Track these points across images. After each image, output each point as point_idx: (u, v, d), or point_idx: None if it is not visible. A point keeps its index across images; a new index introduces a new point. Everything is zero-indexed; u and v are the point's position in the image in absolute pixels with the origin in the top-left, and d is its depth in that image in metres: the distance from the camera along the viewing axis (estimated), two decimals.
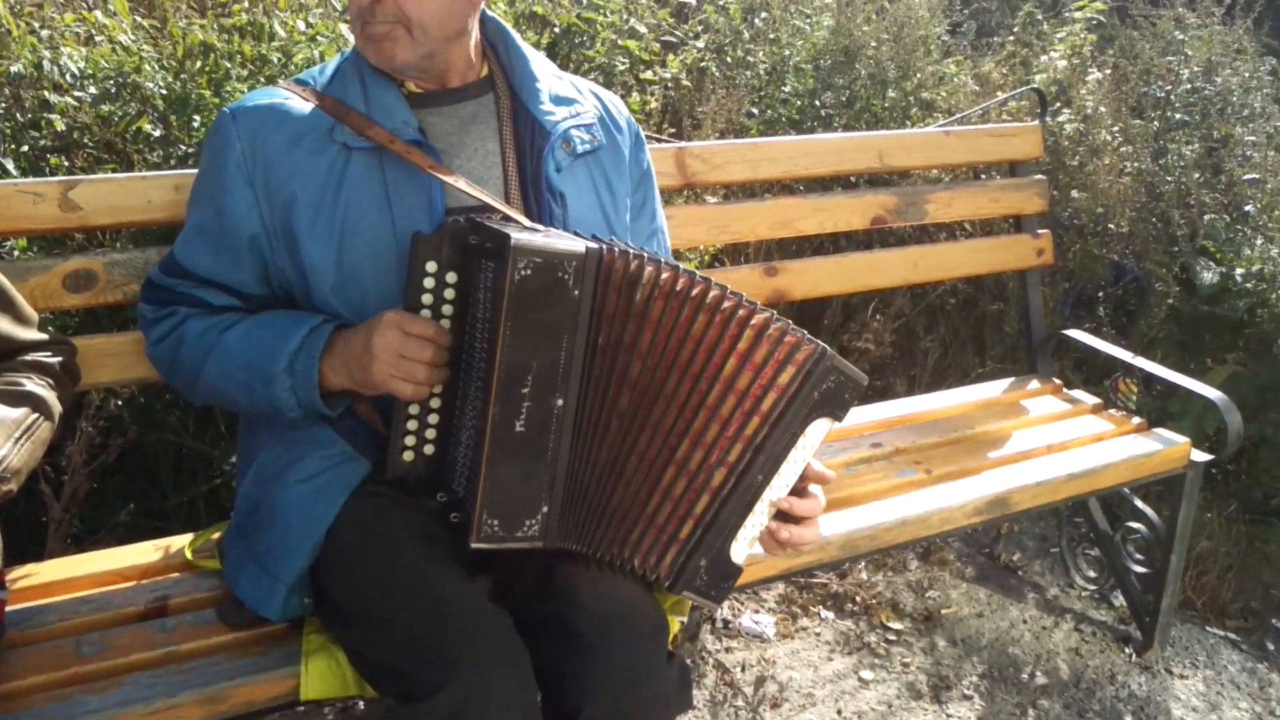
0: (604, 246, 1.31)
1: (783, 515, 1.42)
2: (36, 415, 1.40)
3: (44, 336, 1.48)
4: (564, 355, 1.30)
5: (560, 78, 1.63)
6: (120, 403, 2.22)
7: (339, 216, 1.45)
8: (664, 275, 1.32)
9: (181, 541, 1.76)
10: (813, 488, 1.44)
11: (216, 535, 1.73)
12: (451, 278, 1.37)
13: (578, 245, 1.29)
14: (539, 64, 1.60)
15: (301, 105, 1.49)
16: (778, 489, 1.39)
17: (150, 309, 1.55)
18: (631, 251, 1.32)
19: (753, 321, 1.32)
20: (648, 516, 1.37)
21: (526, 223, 1.39)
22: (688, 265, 1.83)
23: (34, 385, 1.42)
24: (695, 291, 1.32)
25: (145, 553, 1.74)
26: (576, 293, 1.28)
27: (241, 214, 1.46)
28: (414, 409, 1.39)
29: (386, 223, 1.45)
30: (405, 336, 1.33)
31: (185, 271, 1.50)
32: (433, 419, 1.40)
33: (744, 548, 1.41)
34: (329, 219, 1.45)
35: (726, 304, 1.32)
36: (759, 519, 1.40)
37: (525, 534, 1.33)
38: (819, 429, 1.37)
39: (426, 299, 1.37)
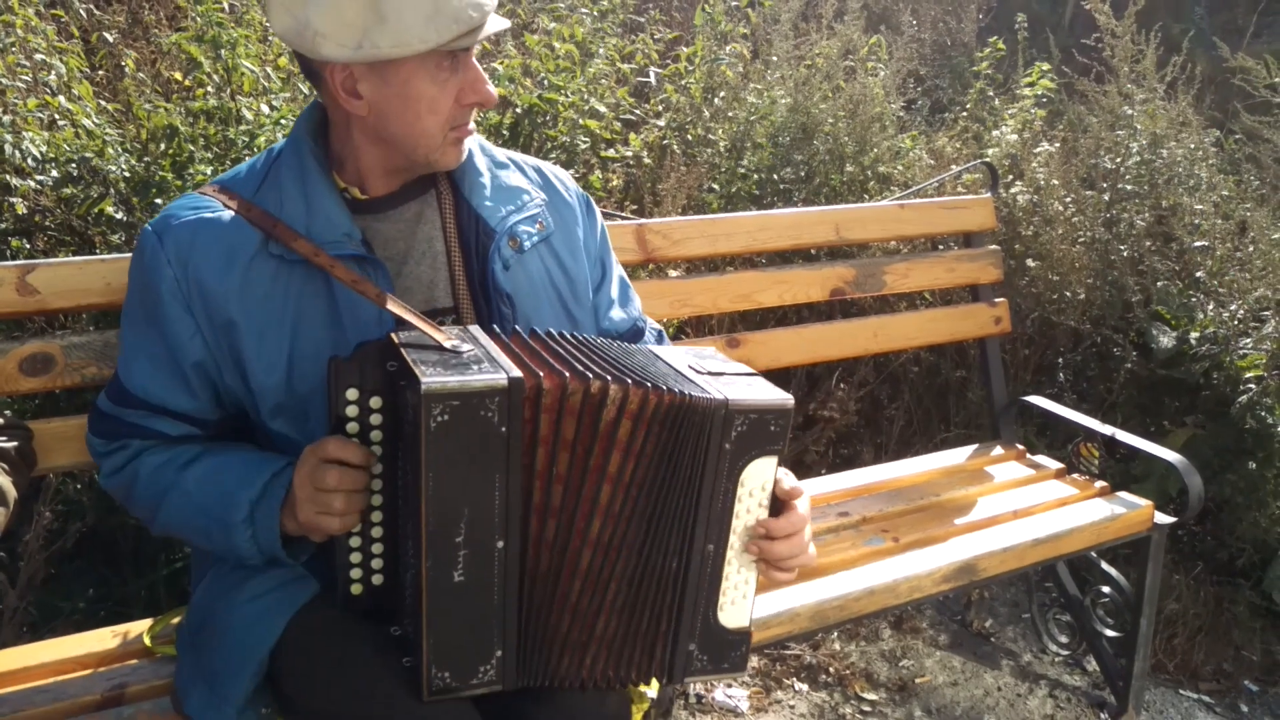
0: (527, 372, 1.21)
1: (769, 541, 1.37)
2: None
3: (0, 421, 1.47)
4: (499, 495, 1.22)
5: (504, 165, 1.57)
6: (79, 486, 2.19)
7: (285, 335, 1.38)
8: (630, 395, 1.24)
9: (140, 627, 1.72)
10: (798, 503, 1.39)
11: (176, 620, 1.70)
12: (376, 403, 1.28)
13: (499, 377, 1.18)
14: (479, 155, 1.53)
15: (228, 218, 1.40)
16: (743, 543, 1.34)
17: (100, 442, 1.48)
18: (581, 365, 1.25)
19: (643, 413, 1.25)
20: (633, 630, 1.33)
21: (449, 343, 1.27)
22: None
23: None
24: (598, 394, 1.24)
25: (103, 639, 1.70)
26: (504, 429, 1.19)
27: (185, 340, 1.39)
28: (355, 540, 1.32)
29: (337, 338, 1.38)
30: (319, 465, 1.26)
31: (135, 400, 1.43)
32: (377, 548, 1.33)
33: (740, 610, 1.36)
34: (275, 340, 1.38)
35: (633, 402, 1.25)
36: (741, 577, 1.36)
37: (480, 680, 1.27)
38: (760, 469, 1.32)
39: (352, 428, 1.28)
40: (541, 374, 1.23)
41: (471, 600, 1.24)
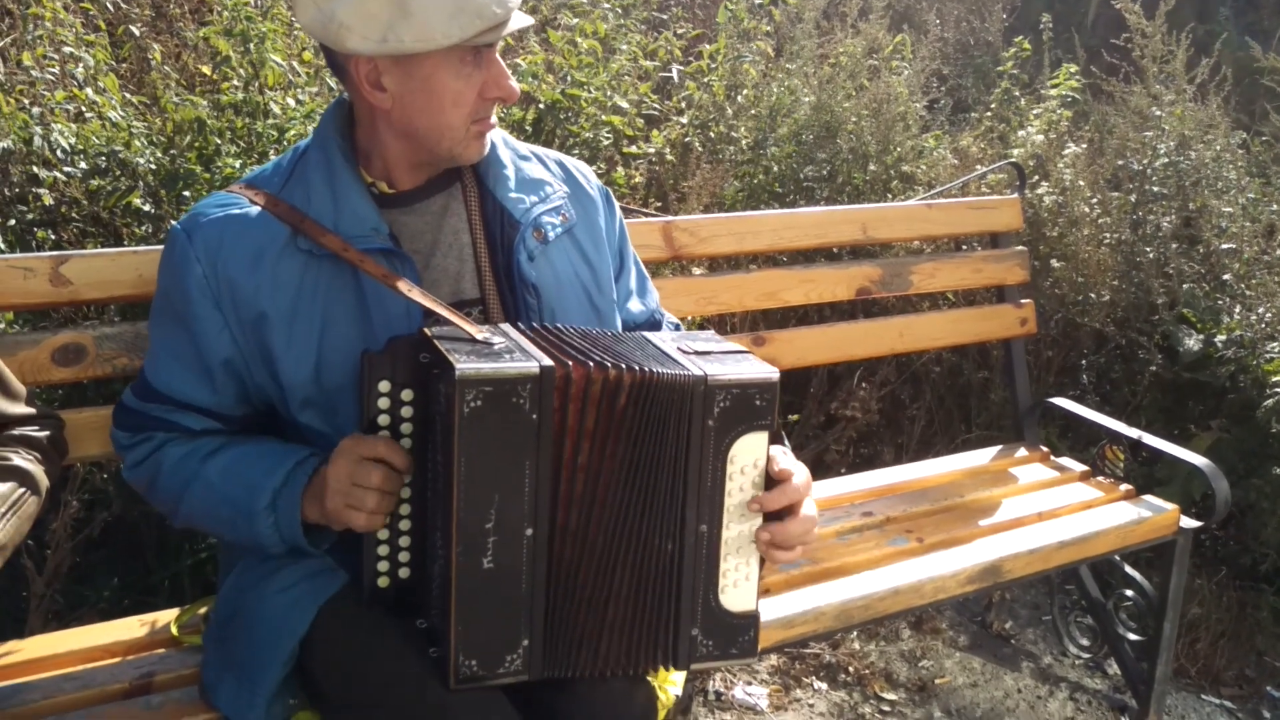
0: (560, 361, 1.24)
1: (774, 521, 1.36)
2: (23, 490, 1.38)
3: (32, 411, 1.47)
4: (529, 482, 1.23)
5: (527, 158, 1.58)
6: (105, 476, 2.20)
7: (315, 329, 1.39)
8: (610, 376, 1.26)
9: (167, 616, 1.73)
10: (794, 477, 1.37)
11: (203, 610, 1.71)
12: (407, 395, 1.29)
13: (531, 365, 1.21)
14: (503, 148, 1.54)
15: (257, 214, 1.41)
16: (740, 522, 1.33)
17: (124, 435, 1.50)
18: (589, 361, 1.26)
19: (653, 387, 1.27)
20: (643, 619, 1.33)
21: (479, 334, 1.30)
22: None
23: (21, 460, 1.40)
24: (630, 379, 1.27)
25: (130, 628, 1.71)
26: (535, 416, 1.21)
27: (213, 337, 1.40)
28: (383, 533, 1.33)
29: (366, 332, 1.39)
30: (357, 462, 1.27)
31: (160, 395, 1.44)
32: (404, 541, 1.34)
33: (744, 593, 1.35)
34: (304, 333, 1.39)
35: (640, 382, 1.27)
36: (741, 558, 1.34)
37: (507, 669, 1.27)
38: (750, 445, 1.31)
39: (384, 420, 1.30)
40: (570, 364, 1.24)
41: (500, 588, 1.25)
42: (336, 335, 1.40)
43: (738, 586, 1.36)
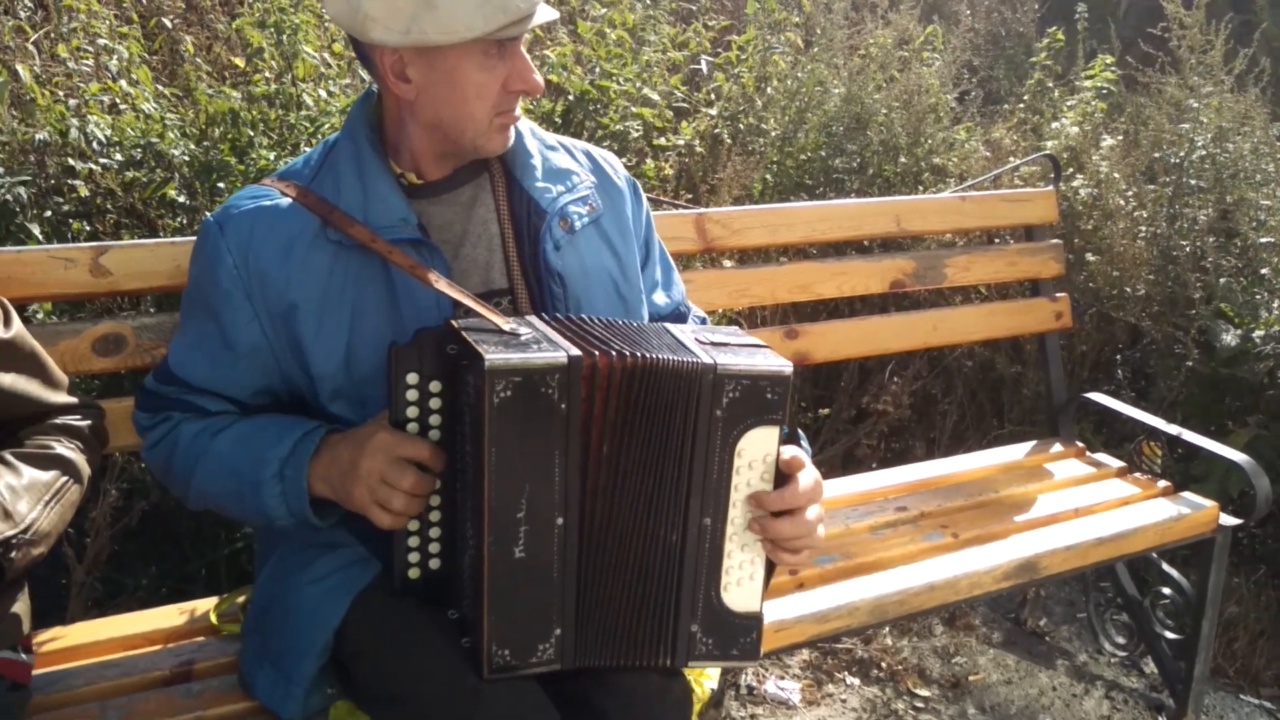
0: (587, 351, 1.24)
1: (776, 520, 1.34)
2: (66, 478, 1.40)
3: (74, 400, 1.48)
4: (559, 472, 1.23)
5: (554, 148, 1.58)
6: (143, 466, 2.22)
7: (344, 319, 1.40)
8: (630, 365, 1.26)
9: (206, 605, 1.74)
10: (799, 475, 1.35)
11: (241, 599, 1.72)
12: (435, 387, 1.29)
13: (559, 355, 1.21)
14: (530, 138, 1.55)
15: (288, 206, 1.42)
16: (744, 519, 1.31)
17: (145, 416, 1.51)
18: (612, 351, 1.26)
19: (662, 370, 1.26)
20: (648, 608, 1.32)
21: (507, 326, 1.30)
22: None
23: (64, 448, 1.42)
24: (646, 366, 1.26)
25: (170, 616, 1.72)
26: (563, 406, 1.22)
27: (242, 327, 1.41)
28: (414, 524, 1.33)
29: (395, 321, 1.40)
30: (391, 460, 1.28)
31: (179, 380, 1.46)
32: (434, 532, 1.34)
33: (748, 592, 1.33)
34: (334, 323, 1.40)
35: (669, 370, 1.27)
36: (746, 556, 1.32)
37: (540, 659, 1.27)
38: (759, 439, 1.29)
39: (412, 412, 1.30)
40: (596, 354, 1.25)
41: (532, 577, 1.25)
42: (366, 326, 1.40)
43: (741, 585, 1.34)
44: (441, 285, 1.37)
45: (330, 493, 1.35)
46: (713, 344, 1.33)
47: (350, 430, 1.36)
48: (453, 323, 1.30)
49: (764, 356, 1.30)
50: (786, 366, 1.28)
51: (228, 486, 1.42)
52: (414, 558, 1.35)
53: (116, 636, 1.66)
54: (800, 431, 1.47)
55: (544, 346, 1.24)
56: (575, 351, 1.23)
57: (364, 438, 1.31)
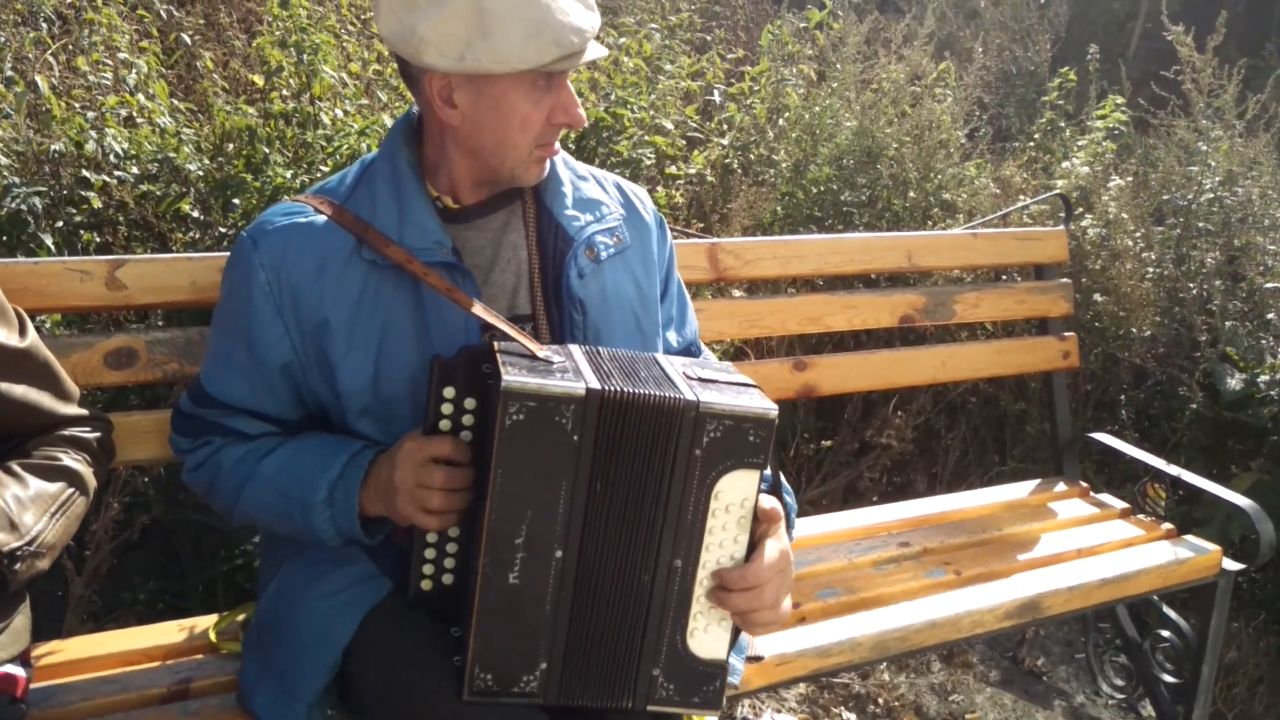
0: (607, 386, 1.23)
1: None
2: (72, 490, 1.40)
3: (84, 412, 1.49)
4: (564, 503, 1.22)
5: (585, 178, 1.59)
6: (146, 479, 2.22)
7: (374, 338, 1.40)
8: (641, 402, 1.24)
9: (205, 622, 1.74)
10: (767, 544, 1.32)
11: (241, 617, 1.71)
12: (470, 403, 1.30)
13: (578, 386, 1.20)
14: (563, 167, 1.56)
15: (323, 223, 1.43)
16: (717, 564, 1.29)
17: (184, 441, 1.52)
18: (627, 390, 1.24)
19: (650, 406, 1.24)
20: (623, 650, 1.31)
21: (540, 352, 1.30)
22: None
23: (71, 460, 1.42)
24: (628, 398, 1.24)
25: (169, 633, 1.72)
26: (576, 437, 1.20)
27: (272, 344, 1.42)
28: (432, 536, 1.33)
29: (424, 342, 1.40)
30: (420, 464, 1.29)
31: (215, 401, 1.47)
32: (451, 548, 1.34)
33: (714, 639, 1.31)
34: (364, 341, 1.40)
35: (661, 404, 1.25)
36: (716, 602, 1.30)
37: (522, 689, 1.26)
38: (738, 483, 1.25)
39: (444, 424, 1.30)
40: (617, 388, 1.24)
41: (523, 605, 1.24)
42: (395, 346, 1.41)
43: (708, 632, 1.31)
44: (478, 310, 1.39)
45: (379, 510, 1.37)
46: (700, 380, 1.31)
47: (390, 449, 1.37)
48: (494, 343, 1.31)
49: (750, 397, 1.27)
50: (772, 409, 1.25)
51: (277, 509, 1.43)
52: (428, 569, 1.35)
53: (114, 652, 1.65)
54: (783, 479, 1.46)
55: (569, 376, 1.23)
56: (596, 385, 1.22)
57: (395, 451, 1.33)
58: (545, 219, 1.52)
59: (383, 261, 1.40)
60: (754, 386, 1.32)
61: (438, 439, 1.30)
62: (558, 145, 1.48)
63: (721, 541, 1.29)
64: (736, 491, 1.26)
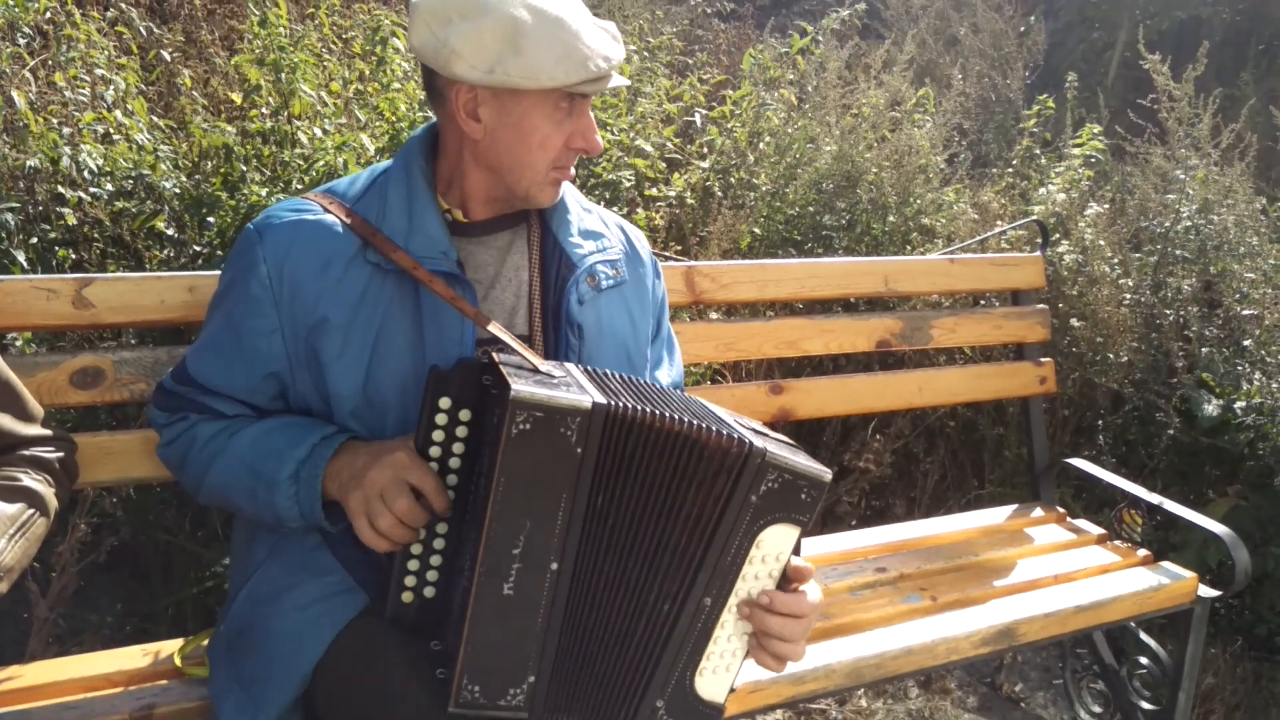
0: (613, 401, 1.23)
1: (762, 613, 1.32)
2: (32, 511, 1.37)
3: (47, 432, 1.46)
4: (562, 516, 1.22)
5: (589, 210, 1.63)
6: (115, 500, 2.19)
7: (369, 341, 1.41)
8: (657, 423, 1.24)
9: (171, 647, 1.71)
10: (805, 587, 1.34)
11: (206, 642, 1.68)
12: (465, 415, 1.30)
13: (584, 399, 1.21)
14: (571, 196, 1.59)
15: (330, 222, 1.45)
16: (739, 609, 1.29)
17: (162, 415, 1.53)
18: (638, 406, 1.25)
19: (701, 440, 1.24)
20: (620, 675, 1.30)
21: (544, 367, 1.32)
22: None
23: (31, 480, 1.40)
24: (675, 430, 1.24)
25: (133, 658, 1.69)
26: (579, 450, 1.21)
27: (262, 336, 1.43)
28: (416, 548, 1.32)
29: (417, 350, 1.42)
30: (396, 479, 1.28)
31: (195, 382, 1.48)
32: (435, 560, 1.33)
33: (719, 682, 1.32)
34: (359, 344, 1.41)
35: (688, 432, 1.24)
36: (729, 646, 1.31)
37: (508, 703, 1.25)
38: (779, 536, 1.27)
39: (438, 435, 1.30)
40: (628, 406, 1.24)
41: (515, 617, 1.24)
42: (388, 354, 1.42)
43: (716, 674, 1.32)
44: (488, 324, 1.41)
45: (336, 494, 1.36)
46: (753, 430, 1.32)
47: (377, 442, 1.37)
48: (495, 355, 1.31)
49: (804, 457, 1.30)
50: (826, 473, 1.28)
51: (243, 484, 1.42)
52: (410, 581, 1.34)
53: (77, 677, 1.62)
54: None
55: (574, 390, 1.24)
56: (601, 399, 1.22)
57: (384, 450, 1.32)
58: (550, 243, 1.55)
59: (386, 266, 1.42)
60: (800, 448, 1.35)
61: (427, 471, 1.29)
62: (573, 171, 1.51)
63: (750, 590, 1.30)
64: (776, 544, 1.28)
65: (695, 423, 1.26)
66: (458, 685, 1.23)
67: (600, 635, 1.29)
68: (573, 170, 1.50)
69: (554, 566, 1.24)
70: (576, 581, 1.26)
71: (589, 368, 1.39)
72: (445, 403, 1.29)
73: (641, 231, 1.71)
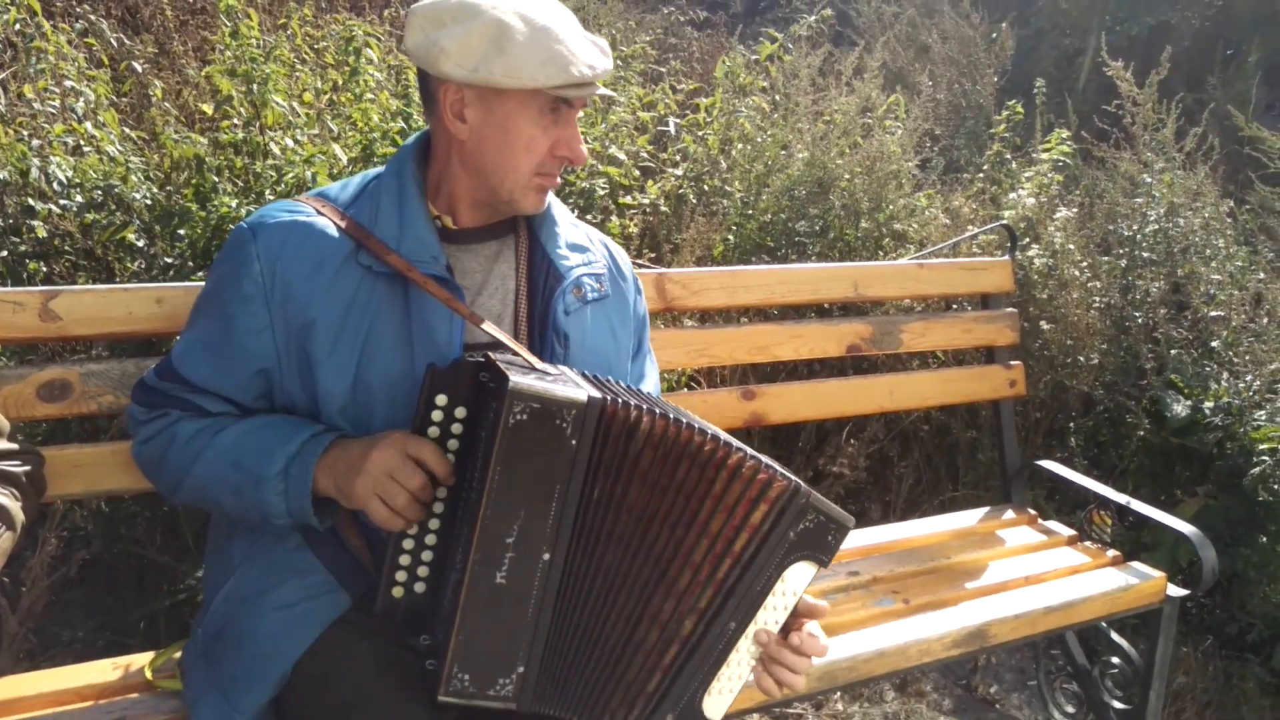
0: (607, 396, 1.27)
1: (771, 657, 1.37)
2: None
3: (13, 446, 1.45)
4: (555, 507, 1.26)
5: (576, 225, 1.66)
6: (85, 514, 2.18)
7: (359, 342, 1.43)
8: (656, 425, 1.28)
9: (142, 660, 1.70)
10: (809, 625, 1.40)
11: (178, 654, 1.68)
12: (461, 413, 1.33)
13: (579, 393, 1.25)
14: (559, 209, 1.63)
15: (323, 224, 1.47)
16: (757, 635, 1.34)
17: (141, 410, 1.52)
18: (633, 402, 1.29)
19: (728, 462, 1.29)
20: (619, 675, 1.32)
21: (539, 365, 1.36)
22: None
23: None
24: (681, 439, 1.29)
25: (103, 671, 1.68)
26: (574, 442, 1.24)
27: (252, 334, 1.44)
28: (408, 543, 1.34)
29: (405, 352, 1.44)
30: (402, 458, 1.30)
31: (182, 379, 1.48)
32: (426, 555, 1.34)
33: (722, 702, 1.35)
34: (349, 344, 1.43)
35: (707, 448, 1.29)
36: (738, 669, 1.34)
37: (498, 693, 1.27)
38: (801, 573, 1.33)
39: (433, 431, 1.33)
40: (622, 402, 1.28)
41: (508, 606, 1.26)
42: (377, 356, 1.44)
43: (721, 695, 1.36)
44: (487, 326, 1.44)
45: (333, 489, 1.37)
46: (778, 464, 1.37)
47: (366, 436, 1.38)
48: (491, 355, 1.34)
49: (826, 502, 1.35)
50: (851, 520, 1.35)
51: (228, 481, 1.42)
52: (401, 576, 1.35)
53: (47, 691, 1.61)
54: None
55: (569, 385, 1.28)
56: (596, 395, 1.26)
57: (379, 436, 1.34)
58: (538, 254, 1.58)
59: (378, 268, 1.44)
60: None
61: (424, 440, 1.31)
62: (558, 180, 1.53)
63: (766, 619, 1.34)
64: (797, 580, 1.34)
65: (722, 440, 1.30)
66: (448, 673, 1.25)
67: (596, 632, 1.31)
68: (558, 180, 1.52)
69: (546, 557, 1.26)
70: (569, 573, 1.29)
71: (585, 371, 1.42)
72: (441, 399, 1.32)
73: (623, 249, 1.75)
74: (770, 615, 1.34)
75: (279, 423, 1.44)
